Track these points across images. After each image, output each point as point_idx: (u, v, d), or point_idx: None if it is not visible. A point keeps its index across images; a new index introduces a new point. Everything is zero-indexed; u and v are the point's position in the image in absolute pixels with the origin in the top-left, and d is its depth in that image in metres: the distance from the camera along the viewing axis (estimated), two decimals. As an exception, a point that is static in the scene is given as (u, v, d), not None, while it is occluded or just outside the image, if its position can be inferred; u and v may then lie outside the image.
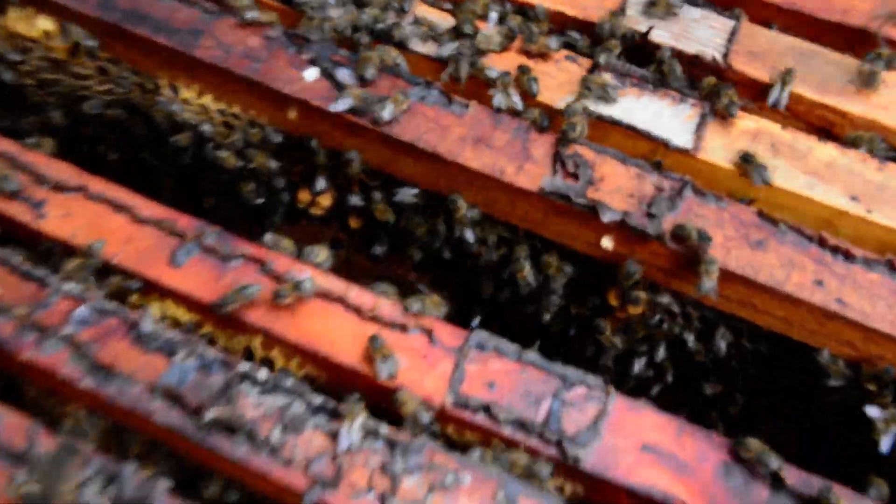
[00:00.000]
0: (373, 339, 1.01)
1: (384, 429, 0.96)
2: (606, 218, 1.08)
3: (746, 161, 1.12)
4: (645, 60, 1.25)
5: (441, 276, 1.25)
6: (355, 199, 1.22)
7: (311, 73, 1.19)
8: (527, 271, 1.14)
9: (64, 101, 1.28)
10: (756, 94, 1.22)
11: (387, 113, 1.13)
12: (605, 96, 1.18)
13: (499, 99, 1.17)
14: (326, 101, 1.17)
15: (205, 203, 1.29)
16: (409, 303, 1.05)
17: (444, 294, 1.13)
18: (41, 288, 1.03)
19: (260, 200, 1.26)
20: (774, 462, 0.94)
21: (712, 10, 1.27)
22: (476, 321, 1.21)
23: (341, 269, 1.10)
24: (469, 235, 1.15)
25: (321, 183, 1.21)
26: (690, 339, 1.15)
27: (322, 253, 1.09)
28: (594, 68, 1.21)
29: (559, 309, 1.20)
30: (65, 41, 1.23)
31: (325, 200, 1.23)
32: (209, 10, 1.24)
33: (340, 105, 1.15)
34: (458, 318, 1.08)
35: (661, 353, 1.17)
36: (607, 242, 1.11)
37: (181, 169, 1.29)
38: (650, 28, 1.25)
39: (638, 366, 1.18)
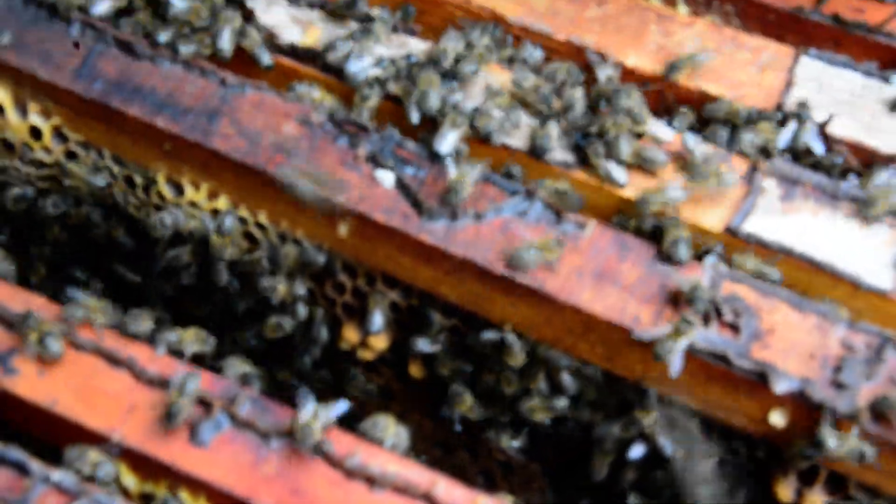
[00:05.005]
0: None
1: None
2: (780, 387, 0.94)
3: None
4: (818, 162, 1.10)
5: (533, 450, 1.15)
6: (423, 344, 1.08)
7: (385, 179, 1.03)
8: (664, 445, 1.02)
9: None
10: None
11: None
12: (770, 208, 1.02)
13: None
14: (392, 215, 1.01)
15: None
16: None
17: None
18: (18, 477, 0.90)
19: (281, 335, 1.13)
20: None
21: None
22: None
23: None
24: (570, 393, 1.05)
25: (378, 319, 1.08)
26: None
27: (390, 427, 0.96)
28: (752, 173, 1.04)
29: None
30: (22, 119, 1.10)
31: (380, 342, 1.10)
32: (228, 83, 1.07)
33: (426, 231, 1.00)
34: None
35: None
36: (778, 418, 0.97)
37: (175, 293, 1.18)
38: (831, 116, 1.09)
39: None
